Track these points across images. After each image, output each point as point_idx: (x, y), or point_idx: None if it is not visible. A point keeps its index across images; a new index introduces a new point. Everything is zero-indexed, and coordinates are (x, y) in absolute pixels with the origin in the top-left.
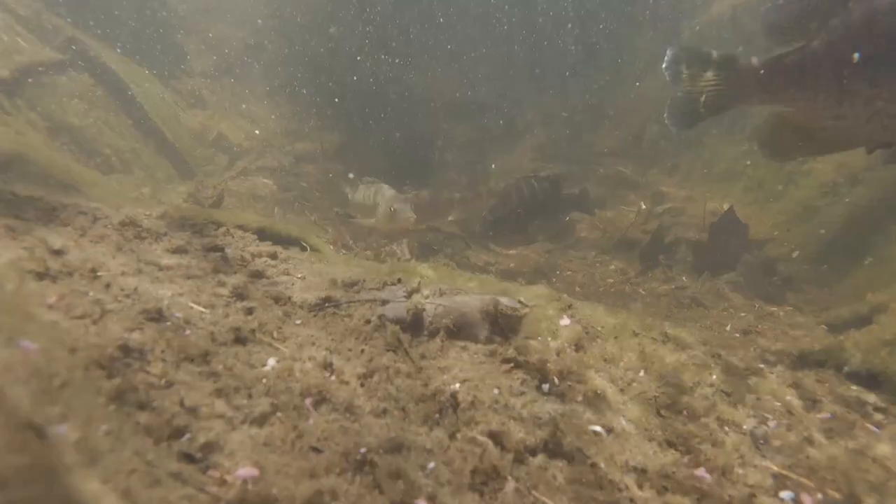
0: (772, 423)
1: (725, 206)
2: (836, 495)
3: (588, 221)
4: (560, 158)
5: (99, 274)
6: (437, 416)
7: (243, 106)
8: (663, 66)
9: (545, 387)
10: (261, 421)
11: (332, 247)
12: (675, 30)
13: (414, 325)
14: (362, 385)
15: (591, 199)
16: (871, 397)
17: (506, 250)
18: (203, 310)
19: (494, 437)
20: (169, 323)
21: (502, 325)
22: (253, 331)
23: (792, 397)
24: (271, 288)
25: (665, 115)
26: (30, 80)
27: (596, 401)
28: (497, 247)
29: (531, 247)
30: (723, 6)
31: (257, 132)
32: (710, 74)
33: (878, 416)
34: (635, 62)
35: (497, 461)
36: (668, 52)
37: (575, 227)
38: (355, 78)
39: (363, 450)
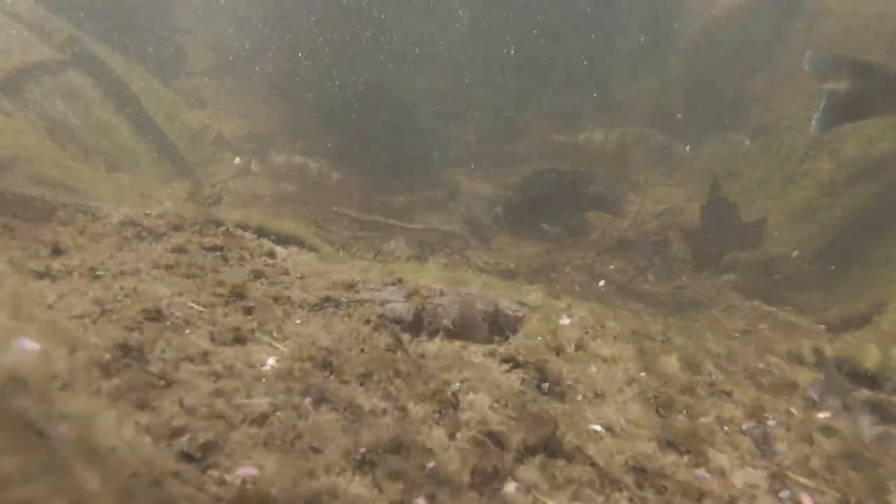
0: (771, 423)
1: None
2: (836, 495)
3: (595, 221)
4: (561, 158)
5: (98, 273)
6: (436, 415)
7: (243, 106)
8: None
9: (545, 386)
10: (261, 421)
11: (331, 246)
12: (671, 30)
13: (414, 324)
14: (362, 385)
15: (617, 197)
16: (871, 397)
17: (510, 248)
18: (202, 309)
19: (495, 436)
20: (168, 322)
21: (502, 324)
22: (252, 330)
23: (791, 397)
24: (270, 287)
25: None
26: (30, 80)
27: (596, 400)
28: (507, 241)
29: (532, 246)
30: (722, 7)
31: (256, 130)
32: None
33: (878, 416)
34: (633, 62)
35: (497, 461)
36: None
37: (593, 227)
38: (355, 77)
39: (363, 450)
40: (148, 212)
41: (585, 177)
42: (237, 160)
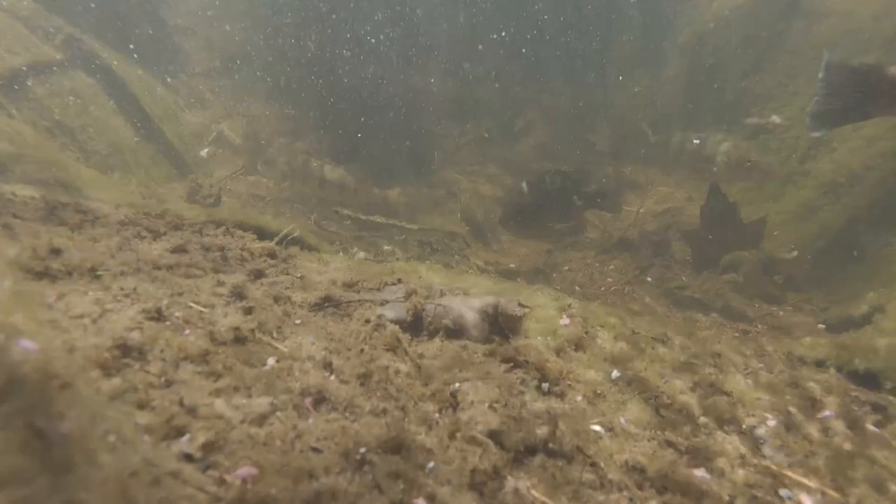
0: (771, 423)
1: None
2: (836, 495)
3: (595, 220)
4: (561, 158)
5: (98, 273)
6: (436, 415)
7: (243, 106)
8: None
9: (545, 386)
10: (260, 421)
11: (331, 246)
12: (670, 29)
13: (413, 324)
14: (362, 385)
15: (614, 196)
16: (871, 397)
17: (510, 248)
18: (202, 309)
19: (494, 436)
20: (168, 322)
21: (502, 324)
22: (252, 330)
23: (791, 397)
24: (270, 287)
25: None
26: (30, 80)
27: (595, 400)
28: (507, 241)
29: (532, 246)
30: (721, 6)
31: (257, 130)
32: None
33: (878, 416)
34: (633, 62)
35: (497, 461)
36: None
37: (593, 226)
38: (353, 77)
39: (363, 450)
40: (148, 212)
41: (585, 176)
42: (203, 153)
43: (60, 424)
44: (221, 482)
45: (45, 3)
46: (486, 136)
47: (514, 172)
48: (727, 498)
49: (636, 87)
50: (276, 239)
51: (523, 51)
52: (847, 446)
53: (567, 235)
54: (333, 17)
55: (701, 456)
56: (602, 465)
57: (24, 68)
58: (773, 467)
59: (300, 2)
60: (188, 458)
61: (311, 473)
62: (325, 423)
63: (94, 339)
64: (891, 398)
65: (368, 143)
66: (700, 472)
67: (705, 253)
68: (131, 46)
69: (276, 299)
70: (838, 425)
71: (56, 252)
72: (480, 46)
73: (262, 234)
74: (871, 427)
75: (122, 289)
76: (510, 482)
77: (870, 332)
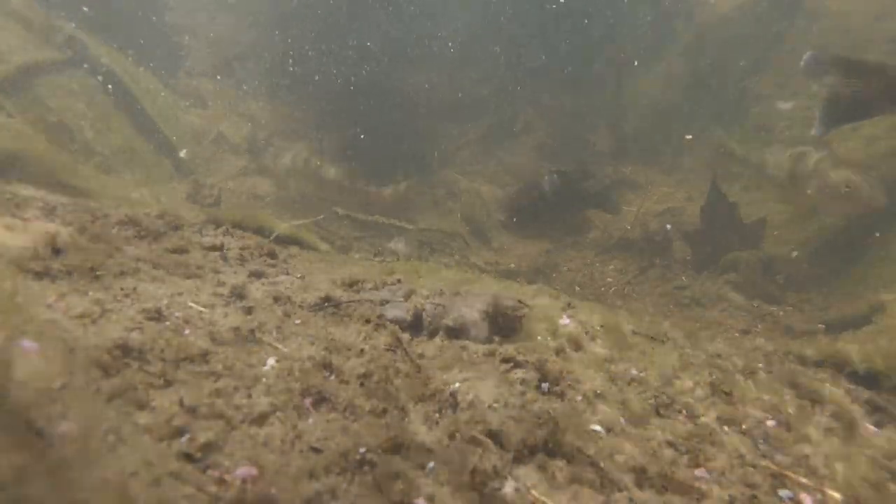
0: (771, 423)
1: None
2: (836, 495)
3: (595, 220)
4: (561, 158)
5: (98, 273)
6: (436, 415)
7: (243, 106)
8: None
9: (545, 386)
10: (260, 421)
11: (330, 246)
12: (672, 29)
13: (414, 324)
14: (362, 385)
15: (614, 197)
16: (871, 396)
17: (510, 248)
18: (202, 309)
19: (494, 436)
20: (168, 322)
21: (502, 324)
22: (252, 330)
23: (791, 397)
24: (271, 287)
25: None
26: (30, 80)
27: (595, 400)
28: (507, 241)
29: (532, 246)
30: (723, 6)
31: (257, 131)
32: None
33: (878, 416)
34: (633, 61)
35: (497, 461)
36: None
37: (593, 225)
38: (355, 77)
39: (363, 450)
40: (148, 212)
41: (586, 176)
42: (183, 153)
43: (60, 424)
44: (221, 482)
45: (46, 3)
46: (487, 136)
47: (514, 172)
48: (727, 498)
49: (617, 92)
50: (273, 236)
51: (524, 50)
52: (846, 446)
53: (567, 235)
54: (336, 17)
55: (701, 456)
56: (602, 464)
57: (24, 68)
58: (773, 467)
59: (301, 2)
60: (188, 458)
61: (311, 473)
62: (325, 423)
63: (94, 339)
64: (890, 398)
65: (368, 143)
66: (700, 472)
67: (705, 253)
68: (131, 46)
69: (276, 299)
70: (838, 425)
71: (56, 252)
72: (481, 45)
73: (262, 234)
74: (870, 427)
75: (122, 289)
76: (510, 482)
77: (869, 332)
